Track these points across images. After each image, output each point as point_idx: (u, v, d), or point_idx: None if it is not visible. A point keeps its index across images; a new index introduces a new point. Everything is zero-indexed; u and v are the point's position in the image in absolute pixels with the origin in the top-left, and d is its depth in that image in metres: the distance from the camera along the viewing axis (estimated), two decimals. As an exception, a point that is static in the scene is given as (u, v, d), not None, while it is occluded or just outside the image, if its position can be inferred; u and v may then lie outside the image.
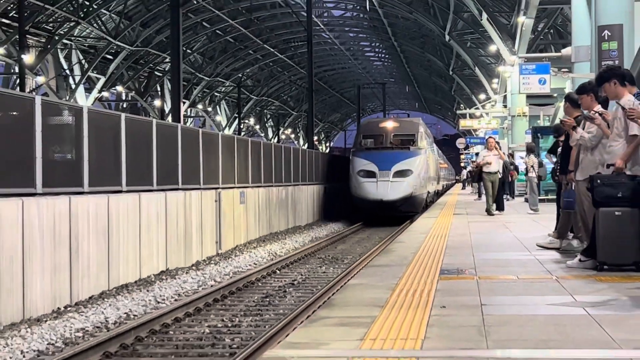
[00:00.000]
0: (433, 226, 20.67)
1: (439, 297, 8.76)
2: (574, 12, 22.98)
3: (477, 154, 49.40)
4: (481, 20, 42.81)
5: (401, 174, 38.15)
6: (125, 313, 15.39)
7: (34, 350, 12.16)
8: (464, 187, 74.32)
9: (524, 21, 37.19)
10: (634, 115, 9.07)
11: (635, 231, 9.86)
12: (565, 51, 29.84)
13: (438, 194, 58.28)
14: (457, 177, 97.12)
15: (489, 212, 23.75)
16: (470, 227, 19.93)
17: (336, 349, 6.30)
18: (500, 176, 24.56)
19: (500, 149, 27.11)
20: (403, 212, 38.65)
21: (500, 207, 24.71)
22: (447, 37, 56.78)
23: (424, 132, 44.16)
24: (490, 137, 29.20)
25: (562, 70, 32.18)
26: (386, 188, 37.53)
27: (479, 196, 39.45)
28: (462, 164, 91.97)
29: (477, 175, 26.01)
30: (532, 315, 7.57)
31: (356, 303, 8.59)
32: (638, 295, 8.34)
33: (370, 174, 38.46)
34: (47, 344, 12.60)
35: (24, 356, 11.83)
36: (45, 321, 14.23)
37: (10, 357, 11.62)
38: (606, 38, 15.03)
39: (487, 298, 8.65)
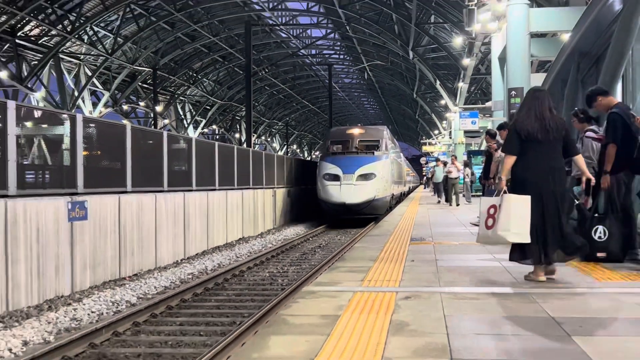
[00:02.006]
0: (406, 212, 20.64)
1: (410, 255, 8.76)
2: (493, 79, 22.87)
3: (433, 167, 49.23)
4: (436, 84, 42.64)
5: (365, 177, 26.02)
6: (217, 264, 15.46)
7: (162, 286, 12.25)
8: (425, 188, 73.89)
9: (462, 85, 37.07)
10: None
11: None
12: (488, 104, 29.81)
13: (405, 194, 45.49)
14: (421, 182, 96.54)
15: (450, 203, 23.49)
16: (429, 212, 19.87)
17: (346, 286, 6.32)
18: (459, 181, 24.35)
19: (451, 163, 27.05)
20: (366, 214, 26.69)
21: (448, 200, 24.48)
22: (414, 95, 56.67)
23: (389, 139, 31.10)
24: (453, 155, 28.96)
25: (486, 115, 32.10)
26: (349, 191, 25.46)
27: (435, 193, 39.06)
28: (424, 174, 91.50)
29: (444, 180, 25.69)
30: (467, 266, 7.57)
31: (359, 258, 8.61)
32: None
33: (335, 178, 26.16)
34: (170, 282, 12.70)
35: (156, 289, 11.93)
36: (169, 269, 14.33)
37: (148, 290, 11.72)
38: (513, 96, 14.99)
39: (439, 255, 8.66)
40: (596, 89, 7.60)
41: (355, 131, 29.63)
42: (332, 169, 26.47)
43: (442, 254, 8.78)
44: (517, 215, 5.88)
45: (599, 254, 7.20)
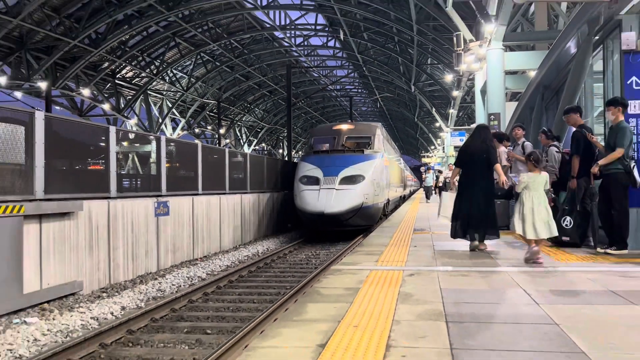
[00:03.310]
0: (409, 209, 20.49)
1: (413, 242, 8.71)
2: (476, 107, 22.59)
3: (424, 174, 48.63)
4: (432, 111, 42.32)
5: (350, 180, 16.64)
6: (266, 248, 15.45)
7: (225, 265, 12.30)
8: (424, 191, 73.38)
9: (452, 111, 36.70)
10: (510, 156, 8.96)
11: (505, 210, 9.74)
12: (472, 125, 29.44)
13: (405, 197, 34.98)
14: (421, 186, 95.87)
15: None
16: (428, 210, 19.70)
17: (364, 265, 6.31)
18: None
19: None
20: (352, 226, 16.80)
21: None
22: (415, 119, 56.31)
23: (383, 137, 20.69)
24: (450, 164, 28.21)
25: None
26: (329, 198, 16.20)
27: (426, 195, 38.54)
28: (423, 179, 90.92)
29: (443, 185, 24.29)
30: (458, 251, 7.49)
31: (374, 244, 8.58)
32: (508, 242, 8.19)
33: (313, 181, 16.92)
34: (231, 262, 12.74)
35: (220, 267, 11.98)
36: (230, 252, 14.38)
37: (214, 268, 11.78)
38: (492, 119, 14.79)
39: (436, 242, 8.59)
40: (576, 107, 7.61)
41: (343, 127, 19.44)
42: (310, 170, 17.03)
43: (438, 241, 8.71)
44: (446, 205, 7.74)
45: (564, 238, 7.21)
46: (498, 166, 7.27)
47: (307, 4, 31.91)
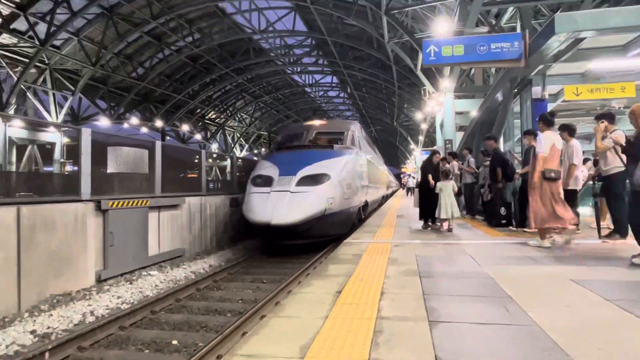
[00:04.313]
0: (394, 202, 20.29)
1: (397, 224, 8.63)
2: (437, 135, 22.35)
3: (406, 179, 47.74)
4: (407, 138, 41.95)
5: (312, 180, 6.98)
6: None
7: (235, 256, 12.10)
8: (403, 189, 72.44)
9: (421, 138, 36.21)
10: (459, 167, 8.91)
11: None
12: (434, 147, 28.93)
13: (387, 197, 23.43)
14: (400, 188, 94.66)
15: None
16: (407, 203, 19.48)
17: (365, 240, 6.27)
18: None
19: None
20: (314, 239, 7.49)
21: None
22: (397, 143, 55.85)
23: (359, 134, 10.06)
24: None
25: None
26: (281, 203, 6.69)
27: (407, 193, 37.89)
28: (403, 183, 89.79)
29: (416, 185, 22.88)
30: (426, 230, 7.41)
31: (371, 225, 8.52)
32: (462, 225, 8.05)
33: (265, 182, 7.24)
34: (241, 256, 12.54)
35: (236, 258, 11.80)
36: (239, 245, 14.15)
37: (223, 259, 11.58)
38: (447, 143, 14.61)
39: (413, 224, 8.45)
40: (493, 136, 7.72)
41: (315, 123, 10.72)
42: (266, 169, 8.53)
43: (414, 223, 8.57)
44: (416, 197, 8.02)
45: (502, 221, 7.19)
46: (429, 175, 7.38)
47: (327, 70, 32.18)
